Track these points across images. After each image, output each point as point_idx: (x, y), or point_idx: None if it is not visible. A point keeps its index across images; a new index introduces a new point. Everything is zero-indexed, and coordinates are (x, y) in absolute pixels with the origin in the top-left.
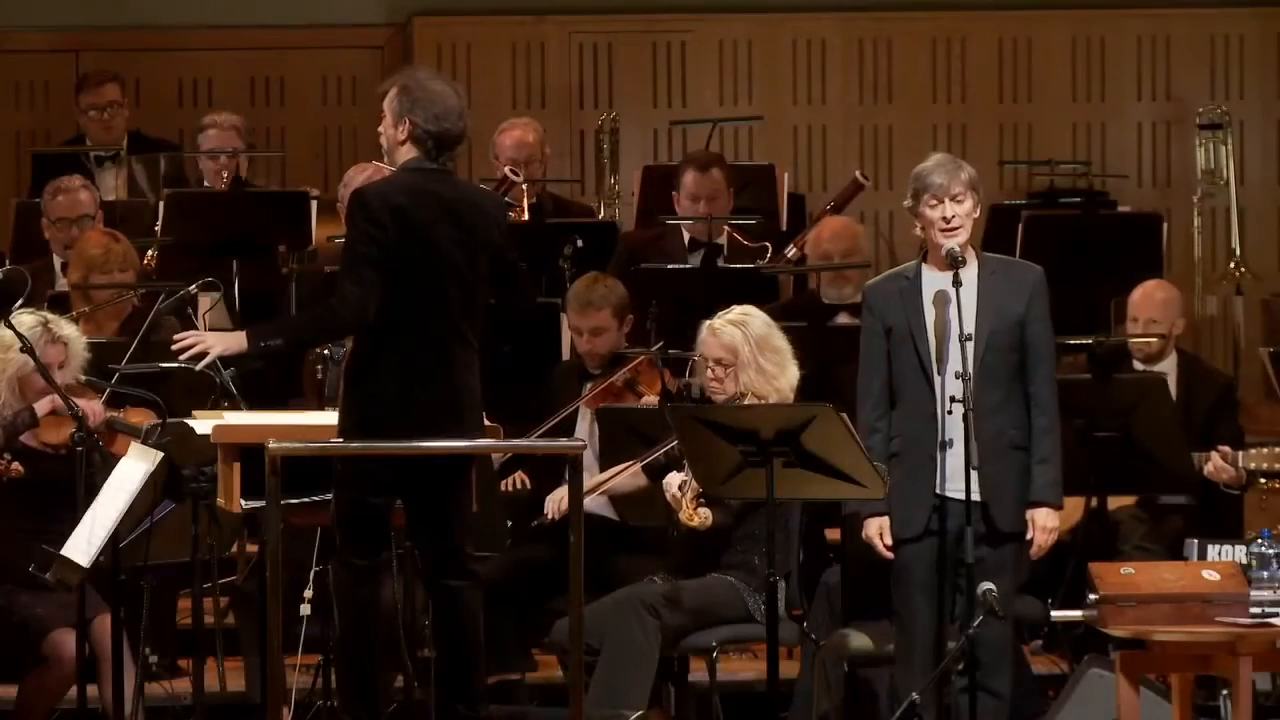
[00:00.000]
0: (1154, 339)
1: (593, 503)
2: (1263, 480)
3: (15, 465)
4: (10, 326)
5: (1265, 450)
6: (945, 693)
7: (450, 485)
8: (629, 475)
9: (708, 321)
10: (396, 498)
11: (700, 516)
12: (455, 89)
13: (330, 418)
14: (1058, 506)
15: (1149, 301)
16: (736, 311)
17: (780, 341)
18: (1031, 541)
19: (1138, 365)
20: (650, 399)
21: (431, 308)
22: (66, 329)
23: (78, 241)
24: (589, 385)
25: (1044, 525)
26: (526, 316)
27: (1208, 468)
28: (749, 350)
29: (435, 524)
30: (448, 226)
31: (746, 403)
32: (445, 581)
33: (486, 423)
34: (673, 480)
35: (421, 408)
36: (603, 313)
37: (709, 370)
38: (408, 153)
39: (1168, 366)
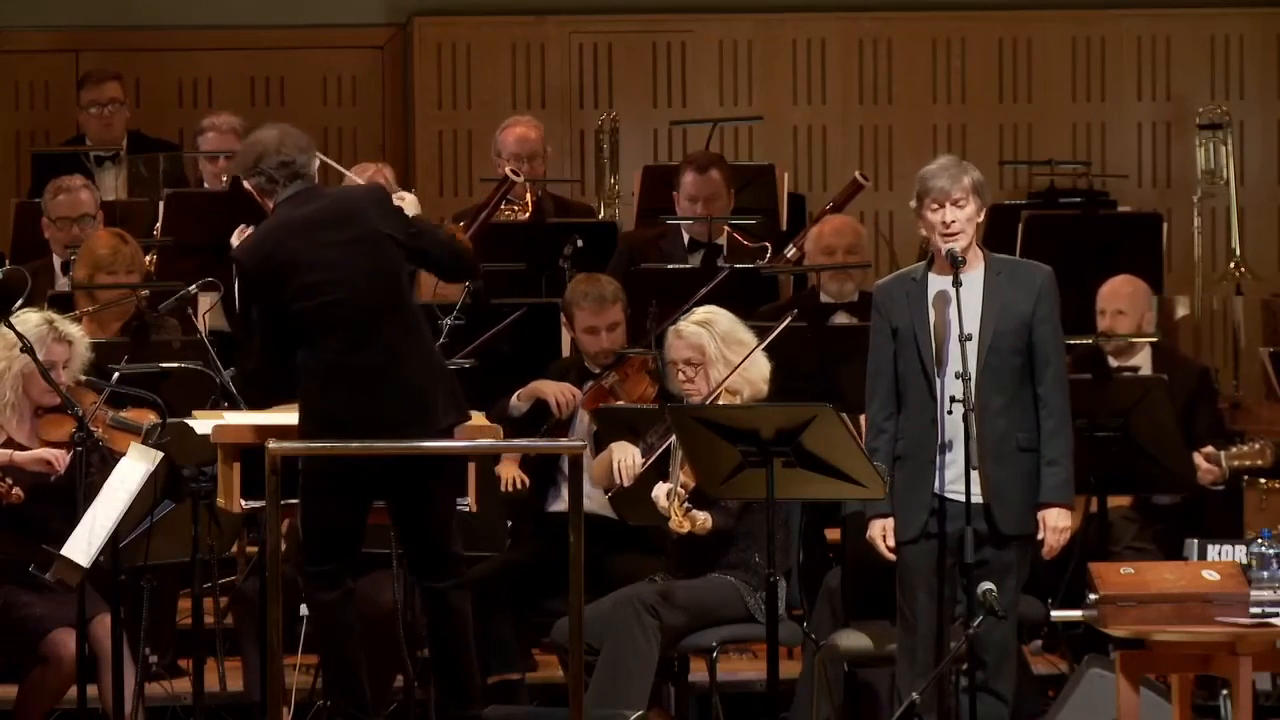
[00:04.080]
0: (1142, 339)
1: (593, 503)
2: (1263, 480)
3: (16, 491)
4: (10, 327)
5: (1245, 448)
6: (946, 693)
7: (423, 485)
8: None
9: (672, 326)
10: (363, 503)
11: (692, 522)
12: (275, 126)
13: None
14: (1068, 507)
15: (1116, 294)
16: (700, 313)
17: (745, 335)
18: (1042, 542)
19: (1111, 361)
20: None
21: (347, 315)
22: (71, 328)
23: (86, 240)
24: (589, 385)
25: (1055, 525)
26: (469, 275)
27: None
28: (715, 346)
29: (413, 525)
30: (328, 232)
31: (721, 399)
32: (428, 583)
33: (485, 423)
34: (660, 491)
35: (372, 413)
36: (616, 306)
37: (680, 373)
38: (272, 200)
39: (1141, 360)
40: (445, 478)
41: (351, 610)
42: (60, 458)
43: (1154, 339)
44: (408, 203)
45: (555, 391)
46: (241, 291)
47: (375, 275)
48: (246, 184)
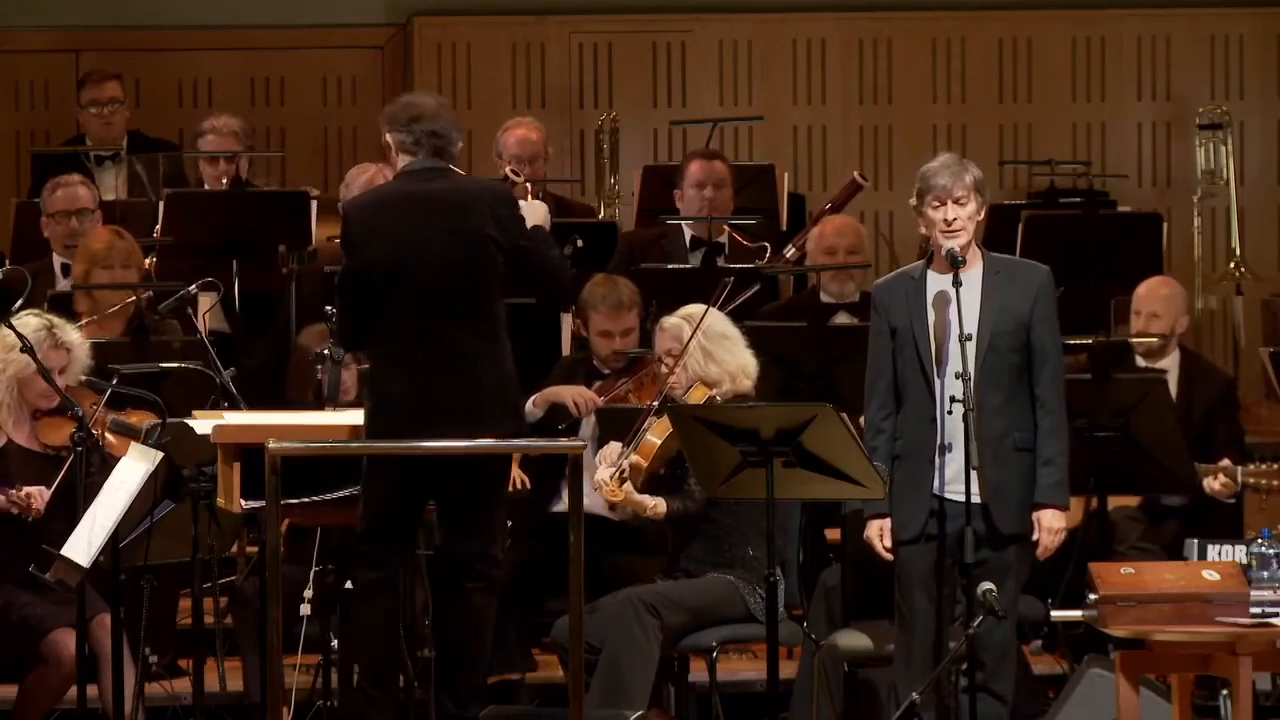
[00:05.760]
0: (1154, 338)
1: (593, 503)
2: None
3: (36, 506)
4: (10, 327)
5: (1263, 466)
6: (946, 693)
7: (464, 484)
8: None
9: (658, 323)
10: (410, 491)
11: (628, 496)
12: (434, 97)
13: (330, 418)
14: (1063, 507)
15: (1152, 296)
16: (684, 309)
17: (728, 329)
18: (1037, 543)
19: (1140, 361)
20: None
21: (424, 303)
22: (71, 335)
23: (83, 238)
24: (596, 385)
25: (1050, 526)
26: (559, 306)
27: (1208, 481)
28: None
29: (452, 523)
30: (440, 218)
31: (695, 391)
32: (458, 580)
33: None
34: (603, 467)
35: (423, 404)
36: (633, 312)
37: (664, 367)
38: (401, 162)
39: (1169, 364)
40: (487, 479)
41: (390, 599)
42: (41, 493)
43: (1153, 338)
44: (534, 211)
45: (573, 394)
46: (342, 245)
47: (459, 272)
48: (388, 137)
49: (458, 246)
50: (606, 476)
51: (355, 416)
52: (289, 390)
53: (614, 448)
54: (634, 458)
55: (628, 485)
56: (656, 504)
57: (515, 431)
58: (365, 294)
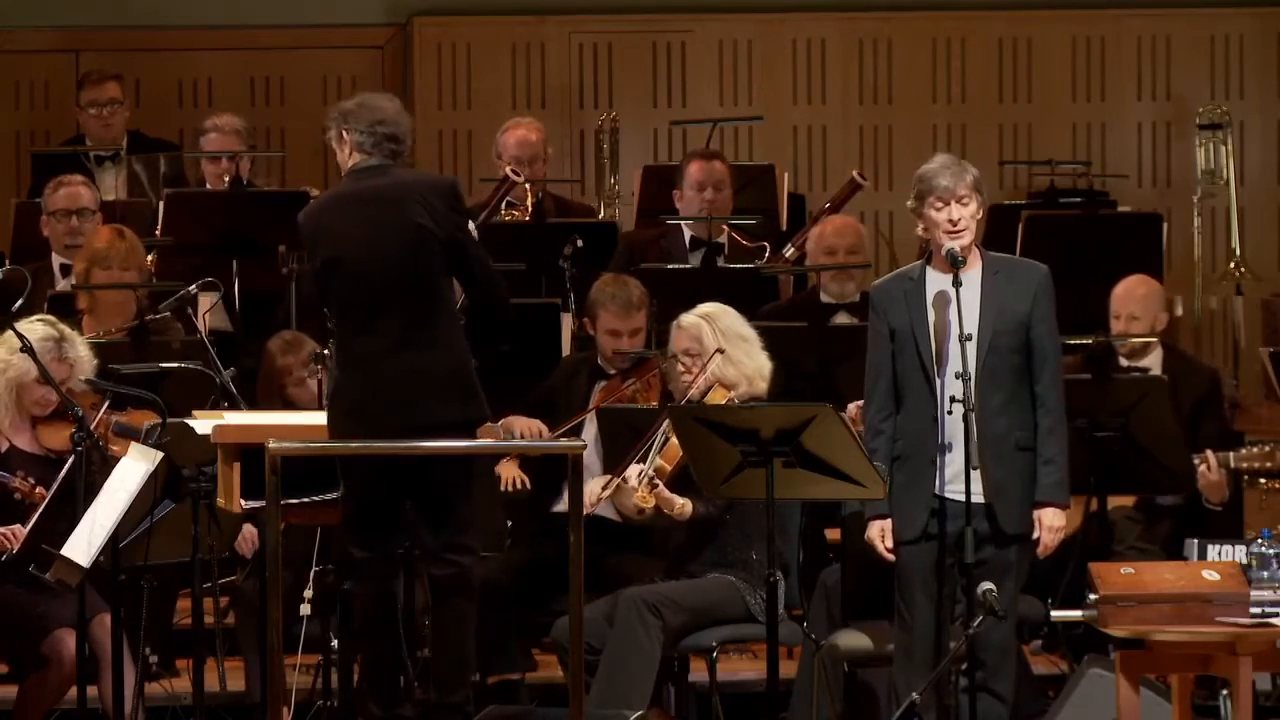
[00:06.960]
0: (1151, 338)
1: (602, 508)
2: (1263, 480)
3: (39, 490)
4: (12, 328)
5: (1254, 450)
6: (945, 693)
7: (429, 474)
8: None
9: (675, 320)
10: (385, 492)
11: (662, 500)
12: (393, 100)
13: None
14: (1064, 506)
15: (1130, 297)
16: (702, 307)
17: (746, 330)
18: (1038, 541)
19: (1123, 361)
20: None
21: (362, 297)
22: (79, 350)
23: (86, 237)
24: (600, 385)
25: (1050, 525)
26: (495, 314)
27: (1202, 471)
28: (712, 339)
29: (422, 514)
30: (373, 211)
31: (714, 391)
32: (429, 570)
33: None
34: (632, 470)
35: (368, 397)
36: (642, 312)
37: (680, 365)
38: (353, 160)
39: (1152, 362)
40: (454, 469)
41: (386, 606)
42: (15, 533)
43: (1152, 339)
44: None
45: (523, 426)
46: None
47: (394, 263)
48: (344, 133)
49: (390, 238)
50: (635, 481)
51: None
52: (257, 395)
53: (592, 485)
54: (659, 461)
55: (660, 489)
56: (684, 504)
57: (472, 417)
58: (325, 296)
